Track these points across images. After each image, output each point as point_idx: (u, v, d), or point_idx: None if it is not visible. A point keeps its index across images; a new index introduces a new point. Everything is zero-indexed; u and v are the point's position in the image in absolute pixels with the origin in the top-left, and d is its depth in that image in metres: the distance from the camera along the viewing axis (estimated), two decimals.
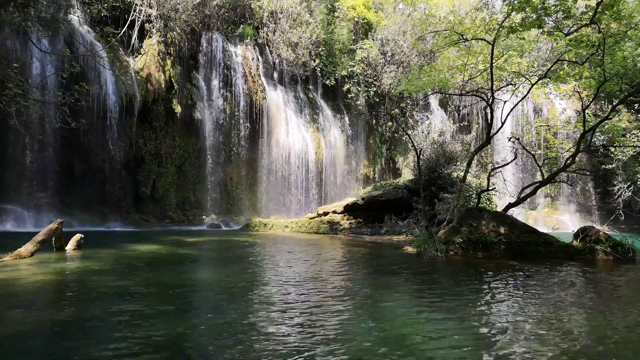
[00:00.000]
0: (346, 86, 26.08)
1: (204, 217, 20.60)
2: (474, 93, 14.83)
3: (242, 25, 23.35)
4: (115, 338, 3.62)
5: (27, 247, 7.81)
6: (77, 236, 9.26)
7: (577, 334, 4.03)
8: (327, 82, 25.38)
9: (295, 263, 8.47)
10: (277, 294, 5.52)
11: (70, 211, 16.81)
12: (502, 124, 13.10)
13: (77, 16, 17.95)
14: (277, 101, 23.45)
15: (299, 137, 23.53)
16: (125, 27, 19.03)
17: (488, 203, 16.38)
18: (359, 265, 8.60)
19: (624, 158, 18.82)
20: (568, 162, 12.36)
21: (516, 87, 13.60)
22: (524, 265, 8.25)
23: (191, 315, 4.47)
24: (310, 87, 25.91)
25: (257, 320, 4.28)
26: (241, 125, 22.01)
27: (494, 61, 11.64)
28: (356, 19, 26.87)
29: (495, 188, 13.98)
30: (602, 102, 21.17)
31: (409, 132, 21.69)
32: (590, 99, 13.52)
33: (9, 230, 14.65)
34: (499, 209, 13.99)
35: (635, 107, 19.61)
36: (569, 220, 25.01)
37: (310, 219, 17.93)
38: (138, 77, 19.22)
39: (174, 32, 20.42)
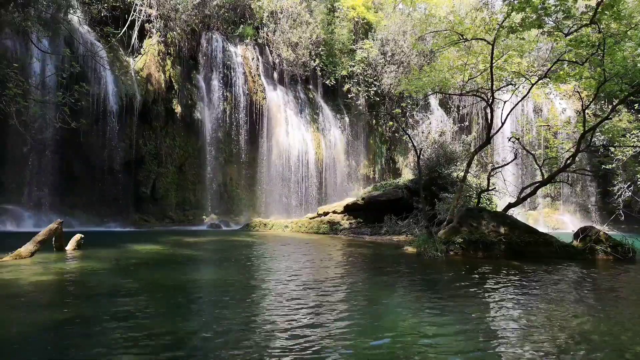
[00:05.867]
0: (346, 86, 26.06)
1: (204, 217, 20.59)
2: (474, 93, 14.82)
3: (242, 25, 23.35)
4: (115, 338, 3.62)
5: (27, 247, 7.81)
6: (77, 236, 9.25)
7: (578, 334, 4.02)
8: (327, 82, 25.37)
9: (295, 263, 8.47)
10: (277, 293, 5.52)
11: (70, 211, 16.79)
12: (502, 124, 13.10)
13: (77, 16, 17.93)
14: (277, 101, 23.45)
15: (299, 137, 23.52)
16: (125, 27, 19.02)
17: (488, 203, 16.37)
18: (359, 265, 8.60)
19: (624, 158, 18.81)
20: (568, 162, 12.36)
21: (516, 87, 13.59)
22: (524, 266, 8.25)
23: (191, 315, 4.47)
24: (310, 87, 25.90)
25: (257, 319, 4.28)
26: (241, 125, 22.00)
27: (494, 61, 11.64)
28: (356, 19, 26.86)
29: (495, 188, 13.98)
30: (602, 102, 21.16)
31: (409, 132, 21.69)
32: (590, 99, 13.52)
33: (9, 230, 14.65)
34: (499, 209, 13.98)
35: (635, 107, 19.59)
36: (569, 220, 25.01)
37: (310, 219, 17.93)
38: (138, 77, 19.21)
39: (174, 32, 20.41)
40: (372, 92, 25.96)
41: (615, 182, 21.61)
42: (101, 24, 18.76)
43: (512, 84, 13.49)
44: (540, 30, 11.62)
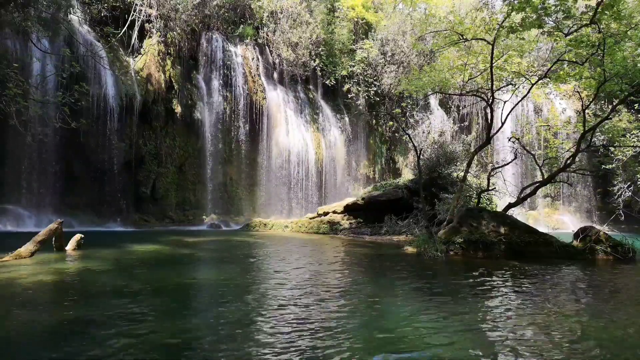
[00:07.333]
0: (346, 86, 26.06)
1: (204, 217, 20.59)
2: (474, 93, 14.83)
3: (242, 25, 23.34)
4: (115, 338, 3.62)
5: (27, 247, 7.81)
6: (77, 236, 9.25)
7: (577, 334, 4.02)
8: (327, 82, 25.36)
9: (295, 263, 8.47)
10: (277, 293, 5.52)
11: (70, 211, 16.78)
12: (502, 124, 13.10)
13: (77, 16, 17.92)
14: (277, 101, 23.44)
15: (299, 137, 23.51)
16: (125, 27, 19.01)
17: (488, 203, 16.38)
18: (359, 265, 8.60)
19: (624, 158, 18.80)
20: (568, 162, 12.36)
21: (516, 87, 13.59)
22: (524, 266, 8.25)
23: (191, 315, 4.47)
24: (310, 87, 25.89)
25: (257, 320, 4.27)
26: (241, 125, 22.00)
27: (494, 61, 11.64)
28: (356, 19, 26.87)
29: (495, 188, 13.98)
30: (602, 102, 21.16)
31: (409, 132, 21.69)
32: (590, 99, 13.52)
33: (9, 230, 14.65)
34: (499, 209, 13.99)
35: (635, 107, 19.59)
36: (569, 220, 25.01)
37: (310, 219, 17.92)
38: (138, 77, 19.21)
39: (174, 32, 20.41)
40: (372, 92, 25.96)
41: (615, 182, 21.60)
42: (101, 24, 18.76)
43: (512, 84, 13.49)
44: (540, 30, 11.62)
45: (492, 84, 12.07)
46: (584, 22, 10.51)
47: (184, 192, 20.84)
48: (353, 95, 26.10)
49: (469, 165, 13.08)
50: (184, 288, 5.86)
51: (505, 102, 13.33)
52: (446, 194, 14.89)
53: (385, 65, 25.80)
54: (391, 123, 26.49)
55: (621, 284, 7.04)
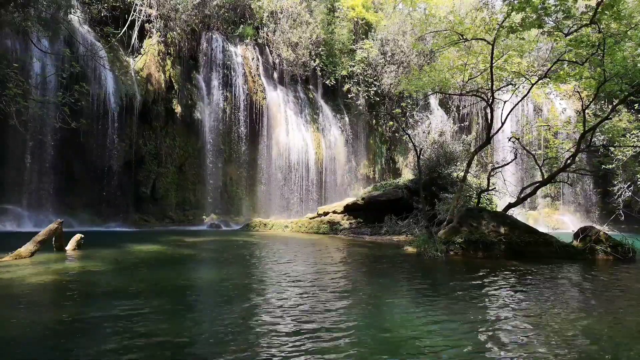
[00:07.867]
0: (346, 86, 26.06)
1: (204, 217, 20.58)
2: (474, 93, 14.82)
3: (242, 25, 23.34)
4: (115, 338, 3.62)
5: (27, 247, 7.81)
6: (77, 236, 9.25)
7: (577, 334, 4.02)
8: (327, 82, 25.36)
9: (295, 263, 8.47)
10: (277, 293, 5.52)
11: (70, 211, 16.78)
12: (502, 124, 13.10)
13: (77, 16, 17.91)
14: (277, 101, 23.44)
15: (299, 137, 23.51)
16: (125, 27, 19.01)
17: (488, 203, 16.38)
18: (359, 265, 8.60)
19: (624, 158, 18.79)
20: (568, 162, 12.36)
21: (516, 87, 13.59)
22: (524, 266, 8.25)
23: (192, 315, 4.47)
24: (310, 87, 25.89)
25: (258, 320, 4.27)
26: (241, 125, 22.00)
27: (494, 61, 11.64)
28: (356, 19, 26.87)
29: (495, 188, 13.98)
30: (602, 102, 21.15)
31: (409, 132, 21.68)
32: (590, 99, 13.52)
33: (9, 230, 14.65)
34: (499, 209, 13.99)
35: (635, 107, 19.58)
36: (569, 220, 25.00)
37: (310, 219, 17.92)
38: (138, 77, 19.21)
39: (174, 32, 20.41)
40: (372, 92, 25.95)
41: (615, 182, 21.60)
42: (101, 24, 18.76)
43: (512, 84, 13.49)
44: (540, 30, 11.62)
45: (492, 84, 12.07)
46: (584, 22, 10.51)
47: (184, 192, 20.84)
48: (353, 95, 26.09)
49: (469, 165, 13.08)
50: (185, 288, 5.86)
51: (505, 102, 13.33)
52: (446, 194, 14.88)
53: (385, 65, 25.79)
54: (391, 123, 26.48)
55: (621, 283, 7.04)
